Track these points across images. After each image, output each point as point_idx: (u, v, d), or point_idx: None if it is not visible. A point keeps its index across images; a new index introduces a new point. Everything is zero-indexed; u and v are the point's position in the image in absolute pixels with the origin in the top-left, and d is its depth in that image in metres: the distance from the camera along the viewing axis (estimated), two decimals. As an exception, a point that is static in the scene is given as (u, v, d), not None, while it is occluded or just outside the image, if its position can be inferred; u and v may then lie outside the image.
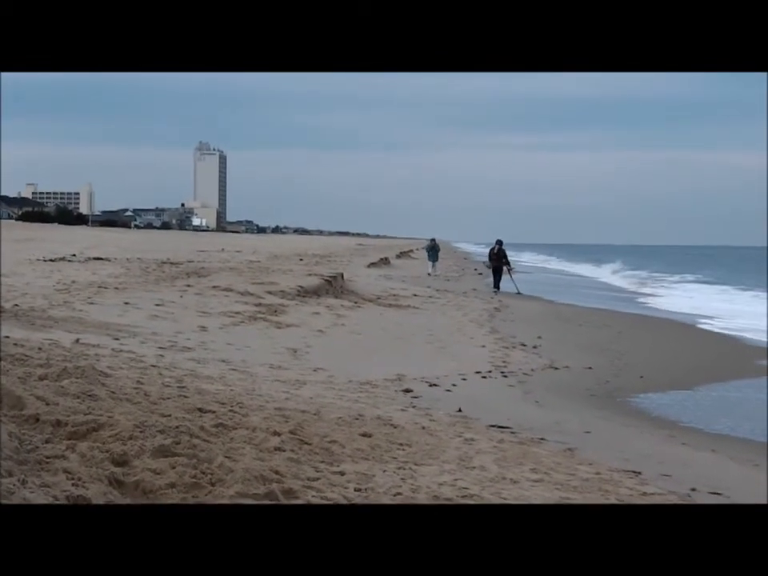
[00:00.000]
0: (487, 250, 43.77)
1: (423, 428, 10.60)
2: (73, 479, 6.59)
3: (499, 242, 41.90)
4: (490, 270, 42.23)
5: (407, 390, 13.74)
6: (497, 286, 40.62)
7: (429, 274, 50.28)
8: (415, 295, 33.40)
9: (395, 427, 10.41)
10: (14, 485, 6.09)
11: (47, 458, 6.95)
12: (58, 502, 4.65)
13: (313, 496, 7.06)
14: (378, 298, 30.63)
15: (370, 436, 9.66)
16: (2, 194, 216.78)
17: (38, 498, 6.06)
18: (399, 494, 7.52)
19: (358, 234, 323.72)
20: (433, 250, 53.72)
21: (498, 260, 41.36)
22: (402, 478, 8.08)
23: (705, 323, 29.48)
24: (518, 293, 39.46)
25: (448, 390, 14.13)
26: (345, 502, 6.51)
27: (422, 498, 7.46)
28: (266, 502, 5.23)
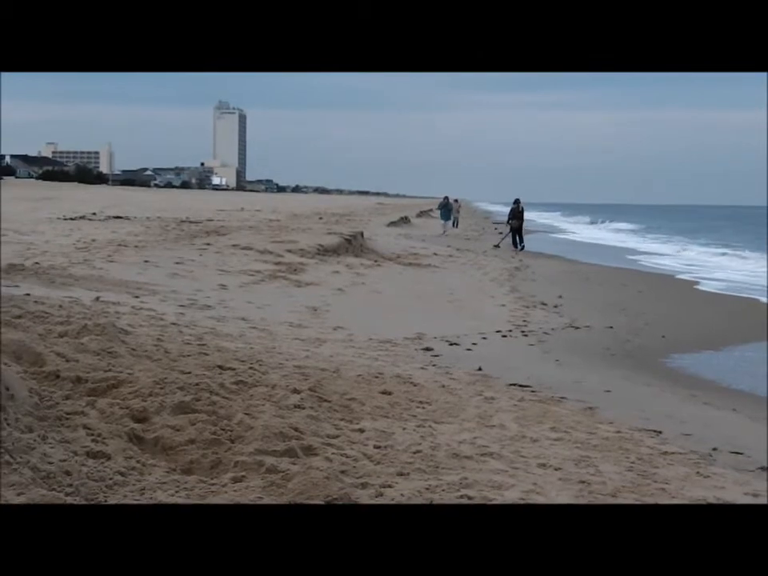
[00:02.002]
0: (507, 210, 43.71)
1: (443, 386, 10.57)
2: (93, 435, 6.60)
3: (517, 201, 41.84)
4: (508, 229, 42.25)
5: (427, 349, 13.71)
6: (517, 244, 40.66)
7: (443, 233, 49.92)
8: (435, 254, 33.34)
9: (415, 385, 10.39)
10: (35, 440, 6.11)
11: (67, 414, 6.97)
12: (58, 502, 4.65)
13: (332, 453, 7.06)
14: (398, 257, 30.60)
15: (389, 394, 9.65)
16: (23, 153, 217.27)
17: (58, 453, 6.07)
18: (419, 451, 7.51)
19: (378, 194, 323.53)
20: (445, 209, 53.14)
21: (521, 218, 41.39)
22: (421, 436, 8.07)
23: (719, 284, 29.38)
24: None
25: (468, 349, 14.10)
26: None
27: (442, 456, 7.45)
28: (264, 502, 5.21)
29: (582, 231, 77.22)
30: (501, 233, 46.23)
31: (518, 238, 41.08)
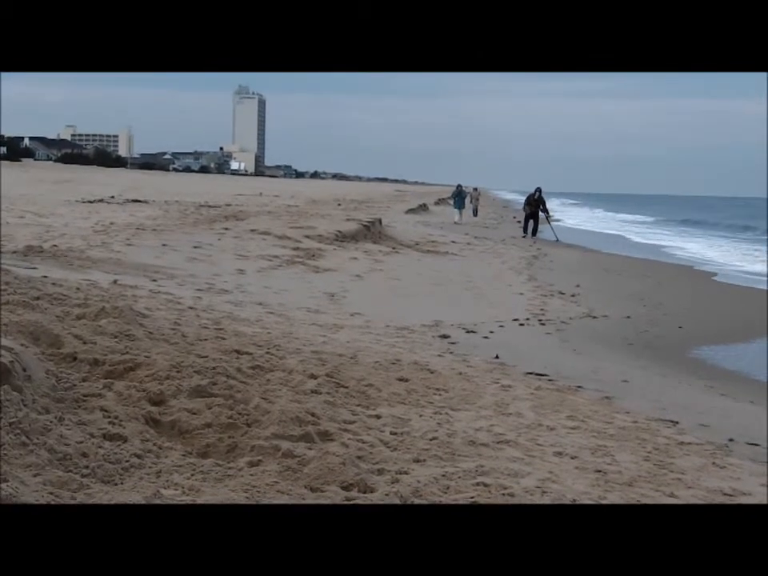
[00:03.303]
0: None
1: (460, 374, 10.56)
2: (109, 417, 6.61)
3: (538, 190, 41.82)
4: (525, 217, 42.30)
5: (444, 336, 13.70)
6: (530, 231, 40.70)
7: (457, 221, 49.51)
8: (453, 242, 33.33)
9: (432, 372, 10.38)
10: (51, 422, 6.12)
11: (84, 396, 6.98)
12: (58, 502, 4.66)
13: (349, 439, 7.06)
14: (417, 244, 30.58)
15: (406, 380, 9.64)
16: (42, 135, 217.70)
17: (75, 434, 6.08)
18: (435, 438, 7.51)
19: (397, 181, 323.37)
20: (459, 197, 52.61)
21: (536, 206, 41.39)
22: (438, 423, 8.07)
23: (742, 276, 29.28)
24: (557, 240, 39.56)
25: (485, 337, 14.08)
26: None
27: (458, 443, 7.44)
28: (265, 502, 5.21)
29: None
30: (519, 221, 46.16)
31: (532, 225, 41.14)
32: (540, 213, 41.58)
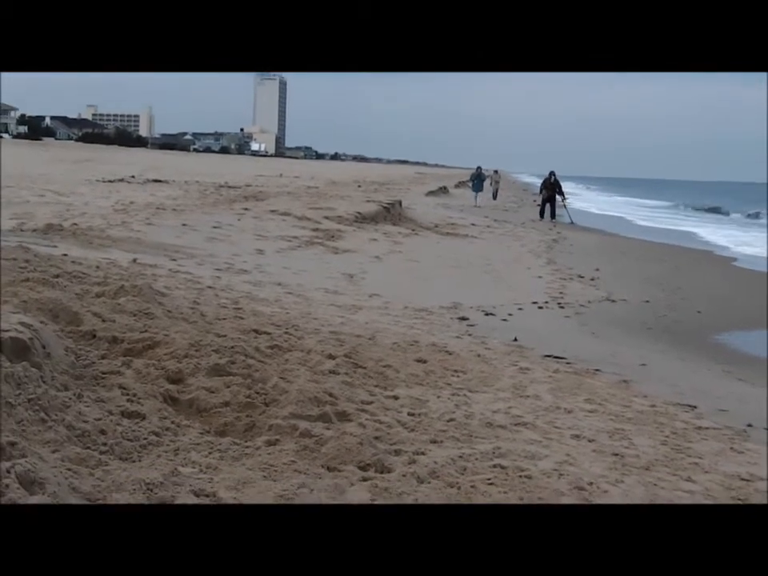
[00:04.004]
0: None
1: (478, 356, 10.56)
2: (128, 395, 6.63)
3: (552, 173, 41.81)
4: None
5: (463, 318, 13.70)
6: (547, 215, 40.73)
7: (476, 205, 49.32)
8: (473, 224, 33.29)
9: (450, 354, 10.38)
10: (70, 398, 6.14)
11: (103, 373, 7.00)
12: (58, 502, 4.67)
13: (366, 419, 7.07)
14: (436, 227, 30.57)
15: (424, 362, 9.64)
16: (63, 114, 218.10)
17: (94, 412, 6.11)
18: (453, 419, 7.51)
19: (417, 163, 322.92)
20: (479, 180, 52.49)
21: (552, 190, 41.42)
22: (455, 404, 8.06)
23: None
24: (571, 223, 39.67)
25: (504, 320, 14.07)
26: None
27: (476, 425, 7.45)
28: (267, 502, 5.22)
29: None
30: (539, 204, 46.12)
31: (548, 209, 41.16)
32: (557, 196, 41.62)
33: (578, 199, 76.13)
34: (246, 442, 6.31)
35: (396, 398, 8.00)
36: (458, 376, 9.29)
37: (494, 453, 6.71)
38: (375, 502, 5.56)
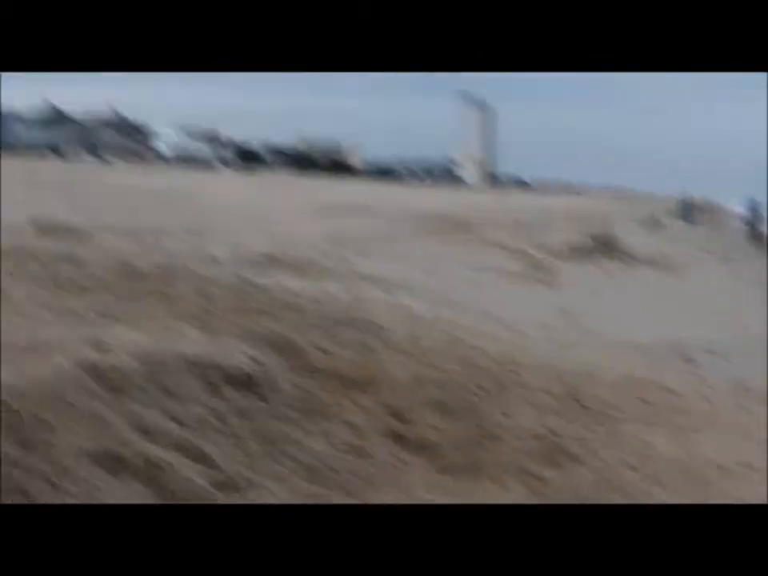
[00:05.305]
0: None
1: (701, 395, 10.26)
2: (352, 430, 6.66)
3: (752, 201, 40.89)
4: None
5: (685, 356, 13.37)
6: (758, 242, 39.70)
7: (686, 237, 47.64)
8: (688, 258, 32.55)
9: (672, 392, 10.13)
10: (296, 432, 6.20)
11: (327, 407, 7.05)
12: (58, 502, 4.70)
13: (591, 459, 6.94)
14: (651, 260, 30.01)
15: (646, 400, 9.43)
16: (272, 140, 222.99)
17: (319, 446, 6.15)
18: (676, 458, 7.33)
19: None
20: (685, 209, 50.19)
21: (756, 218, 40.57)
22: (678, 445, 7.85)
23: None
24: None
25: (728, 359, 13.66)
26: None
27: (699, 464, 7.24)
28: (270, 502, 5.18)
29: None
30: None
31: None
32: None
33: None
34: (470, 481, 6.26)
35: (617, 434, 7.84)
36: (680, 415, 9.06)
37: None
38: (376, 503, 5.50)
